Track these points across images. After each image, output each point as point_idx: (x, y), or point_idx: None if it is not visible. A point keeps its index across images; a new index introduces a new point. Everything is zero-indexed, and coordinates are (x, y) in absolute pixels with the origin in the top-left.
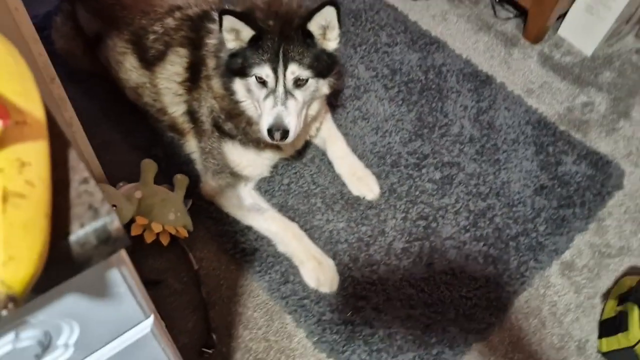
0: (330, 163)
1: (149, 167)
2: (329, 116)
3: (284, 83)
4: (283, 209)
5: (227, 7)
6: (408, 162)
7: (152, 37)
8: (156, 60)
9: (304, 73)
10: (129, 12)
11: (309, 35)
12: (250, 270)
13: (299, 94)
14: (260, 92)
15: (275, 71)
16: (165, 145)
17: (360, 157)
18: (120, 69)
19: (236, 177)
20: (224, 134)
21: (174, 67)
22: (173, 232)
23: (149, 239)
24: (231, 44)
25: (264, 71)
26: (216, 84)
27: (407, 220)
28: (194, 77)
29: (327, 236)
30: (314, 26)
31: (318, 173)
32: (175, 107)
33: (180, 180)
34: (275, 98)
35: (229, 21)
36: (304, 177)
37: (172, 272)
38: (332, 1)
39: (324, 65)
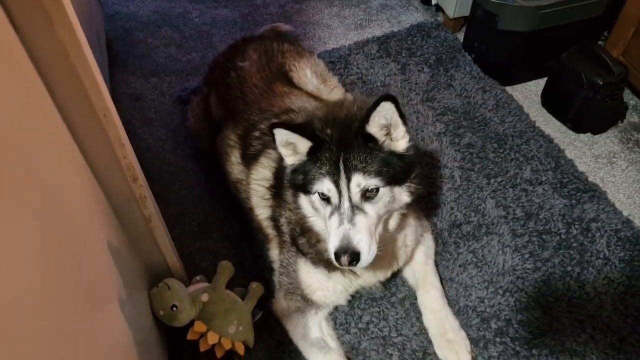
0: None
1: (225, 270)
2: (429, 248)
3: (349, 197)
4: (353, 351)
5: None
6: (518, 334)
7: (256, 134)
8: (253, 160)
9: (372, 182)
10: (249, 108)
11: (372, 139)
12: None
13: (371, 208)
14: (326, 210)
15: (337, 184)
16: (256, 245)
17: (459, 312)
18: (226, 160)
19: (307, 301)
20: (298, 250)
21: (264, 170)
22: (229, 346)
23: (203, 347)
24: (289, 159)
25: (325, 186)
26: (287, 195)
27: None
28: (279, 184)
29: None
30: (374, 127)
31: (404, 319)
32: (261, 210)
33: (255, 289)
34: (341, 215)
35: (281, 135)
36: (387, 319)
37: None
38: (387, 95)
39: (397, 169)
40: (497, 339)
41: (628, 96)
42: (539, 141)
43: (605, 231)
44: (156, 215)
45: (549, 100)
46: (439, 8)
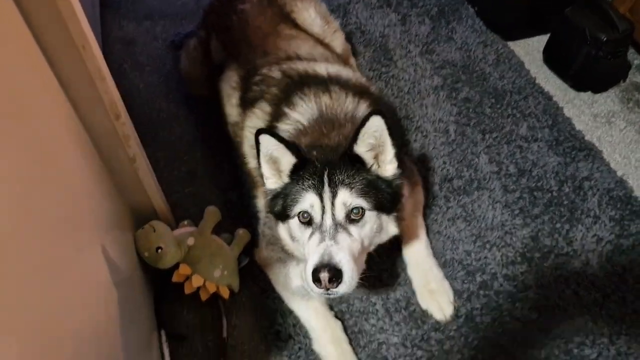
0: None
1: (212, 215)
2: (418, 202)
3: (333, 214)
4: (335, 300)
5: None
6: (502, 288)
7: (257, 78)
8: (250, 105)
9: (359, 202)
10: (253, 50)
11: (359, 160)
12: (277, 358)
13: (355, 231)
14: (305, 234)
15: (320, 198)
16: (244, 193)
17: (445, 265)
18: (227, 102)
19: (287, 254)
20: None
21: (258, 120)
22: (213, 290)
23: (187, 290)
24: (270, 181)
25: (307, 201)
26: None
27: None
28: None
29: (374, 348)
30: (362, 147)
31: (390, 269)
32: (251, 159)
33: (242, 236)
34: (322, 233)
35: (266, 143)
36: (371, 269)
37: (201, 332)
38: (377, 110)
39: (385, 196)
40: (481, 292)
41: (633, 55)
42: (538, 98)
43: (598, 189)
44: (140, 155)
45: (551, 57)
46: None
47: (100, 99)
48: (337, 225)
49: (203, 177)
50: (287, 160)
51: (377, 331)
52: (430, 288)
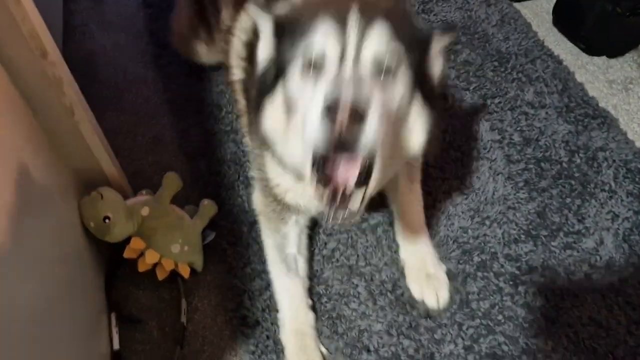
0: (395, 240)
1: (171, 182)
2: (416, 169)
3: (357, 62)
4: (314, 280)
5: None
6: (503, 269)
7: None
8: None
9: (397, 47)
10: None
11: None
12: (242, 346)
13: (382, 92)
14: (309, 88)
15: (341, 31)
16: (214, 161)
17: (439, 243)
18: (224, 5)
19: (281, 205)
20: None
21: (248, 21)
22: (171, 267)
23: (141, 267)
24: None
25: (321, 34)
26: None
27: (470, 353)
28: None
29: (354, 336)
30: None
31: (374, 248)
32: (236, 70)
33: (207, 206)
34: (340, 70)
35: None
36: (356, 247)
37: (158, 315)
38: None
39: (424, 78)
40: (479, 274)
41: None
42: (546, 61)
43: (614, 161)
44: (80, 106)
45: (561, 18)
46: None
47: (19, 29)
48: (360, 75)
49: (169, 143)
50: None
51: (359, 317)
52: (427, 272)
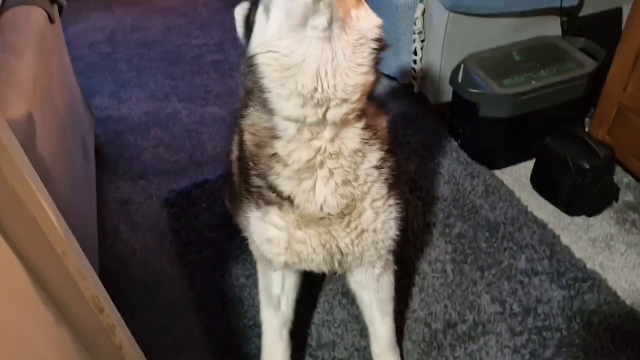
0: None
1: None
2: (388, 302)
3: None
4: None
5: None
6: None
7: None
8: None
9: None
10: None
11: None
12: None
13: None
14: None
15: None
16: (241, 358)
17: None
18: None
19: (261, 258)
20: (247, 190)
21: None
22: None
23: None
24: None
25: None
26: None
27: None
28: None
29: None
30: None
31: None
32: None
33: None
34: None
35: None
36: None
37: None
38: None
39: None
40: None
41: (620, 174)
42: (532, 228)
43: (609, 324)
44: (127, 342)
45: (538, 184)
46: (422, 95)
47: (83, 297)
48: None
49: (198, 342)
50: None
51: None
52: None
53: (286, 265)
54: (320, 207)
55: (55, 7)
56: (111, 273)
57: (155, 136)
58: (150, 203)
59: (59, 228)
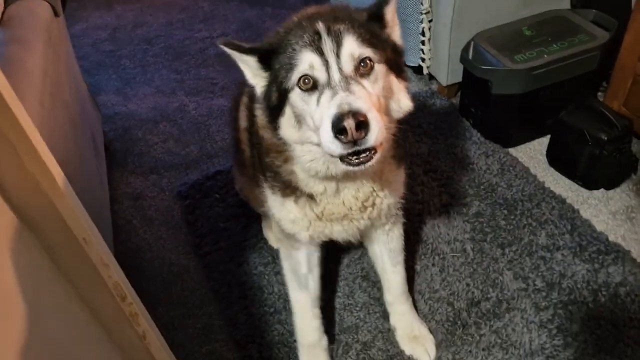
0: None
1: None
2: (397, 251)
3: (339, 68)
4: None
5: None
6: None
7: None
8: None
9: (366, 51)
10: None
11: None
12: None
13: (368, 85)
14: (310, 103)
15: (320, 53)
16: (264, 346)
17: None
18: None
19: (286, 236)
20: (263, 175)
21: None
22: None
23: None
24: (257, 81)
25: (305, 60)
26: (265, 133)
27: None
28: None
29: None
30: (390, 13)
31: (365, 318)
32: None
33: None
34: (332, 89)
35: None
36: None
37: None
38: None
39: (393, 56)
40: None
41: (638, 146)
42: (551, 203)
43: (636, 295)
44: (151, 331)
45: (555, 160)
46: (431, 76)
47: (106, 285)
48: (347, 78)
49: (219, 332)
50: (252, 62)
51: None
52: (414, 334)
53: (311, 239)
54: (344, 204)
55: (59, 0)
56: (127, 268)
57: (163, 130)
58: (163, 197)
59: (79, 215)
